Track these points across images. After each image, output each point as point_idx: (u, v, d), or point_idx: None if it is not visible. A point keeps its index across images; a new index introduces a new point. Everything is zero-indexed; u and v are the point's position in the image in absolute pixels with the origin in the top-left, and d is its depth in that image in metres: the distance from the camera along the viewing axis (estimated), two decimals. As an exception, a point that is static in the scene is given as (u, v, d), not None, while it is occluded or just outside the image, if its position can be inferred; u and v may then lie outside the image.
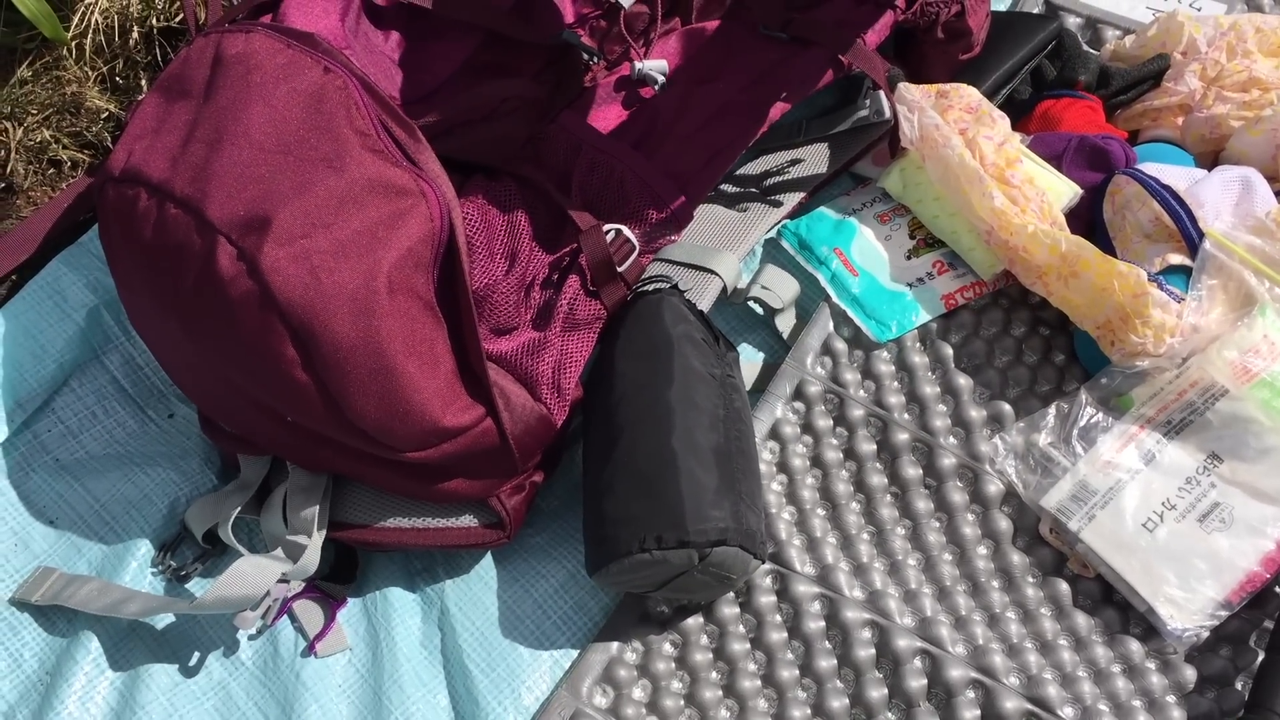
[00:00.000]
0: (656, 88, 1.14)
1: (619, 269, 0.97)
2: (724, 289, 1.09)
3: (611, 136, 1.11)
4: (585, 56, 1.14)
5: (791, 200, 1.18)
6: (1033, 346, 1.14)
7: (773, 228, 1.18)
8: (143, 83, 1.20)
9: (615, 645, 0.97)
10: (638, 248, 0.98)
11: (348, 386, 0.83)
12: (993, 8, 1.28)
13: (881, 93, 1.15)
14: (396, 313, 0.83)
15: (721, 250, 1.12)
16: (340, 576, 0.99)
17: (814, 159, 1.21)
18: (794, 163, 1.19)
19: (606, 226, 0.97)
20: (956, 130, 1.14)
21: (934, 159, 1.14)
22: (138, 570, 0.99)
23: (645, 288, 1.01)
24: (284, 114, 0.87)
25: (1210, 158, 1.19)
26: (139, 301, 0.93)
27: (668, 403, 0.92)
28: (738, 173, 1.20)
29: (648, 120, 1.14)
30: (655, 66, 1.17)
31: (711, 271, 1.09)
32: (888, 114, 1.15)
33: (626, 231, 0.98)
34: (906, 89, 1.18)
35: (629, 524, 0.89)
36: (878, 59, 1.12)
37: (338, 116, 0.87)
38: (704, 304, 1.07)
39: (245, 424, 0.95)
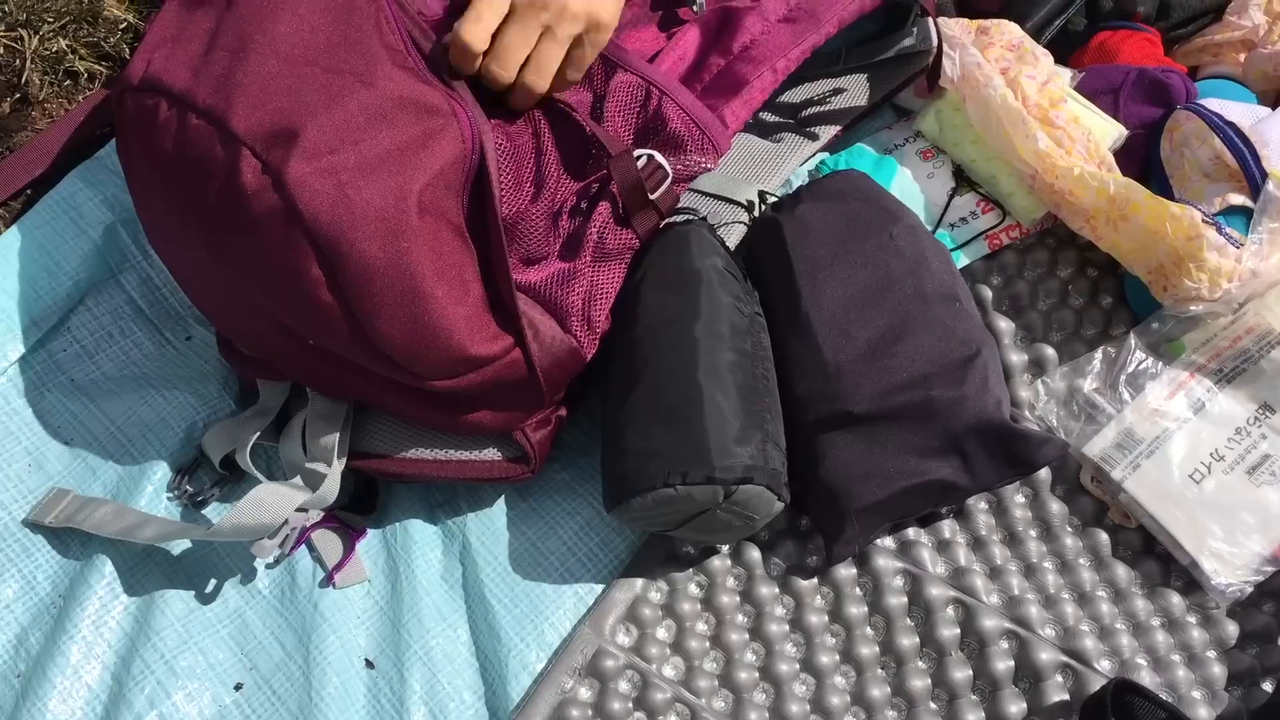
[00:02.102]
0: (695, 8, 1.09)
1: (651, 196, 0.93)
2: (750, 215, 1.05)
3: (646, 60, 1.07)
4: None
5: (829, 132, 1.14)
6: (1079, 289, 1.09)
7: (808, 160, 1.13)
8: (162, -7, 1.15)
9: (640, 583, 0.95)
10: (671, 174, 0.94)
11: (374, 309, 0.79)
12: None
13: (930, 20, 1.09)
14: (426, 235, 0.80)
15: (752, 182, 1.08)
16: (360, 507, 0.96)
17: (854, 89, 1.15)
18: (833, 92, 1.14)
19: (638, 152, 0.92)
20: (998, 69, 1.09)
21: (975, 99, 1.09)
22: (153, 495, 0.97)
23: (673, 219, 0.97)
24: (312, 24, 0.83)
25: (1273, 96, 1.14)
26: (158, 218, 0.90)
27: (694, 336, 0.88)
28: (773, 101, 1.15)
29: (684, 44, 1.09)
30: None
31: (740, 204, 1.06)
32: (934, 42, 1.10)
33: (659, 158, 0.93)
34: (945, 24, 1.12)
35: (651, 458, 0.86)
36: None
37: (367, 30, 0.84)
38: (732, 238, 1.04)
39: (266, 348, 0.92)
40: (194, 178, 0.81)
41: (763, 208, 1.05)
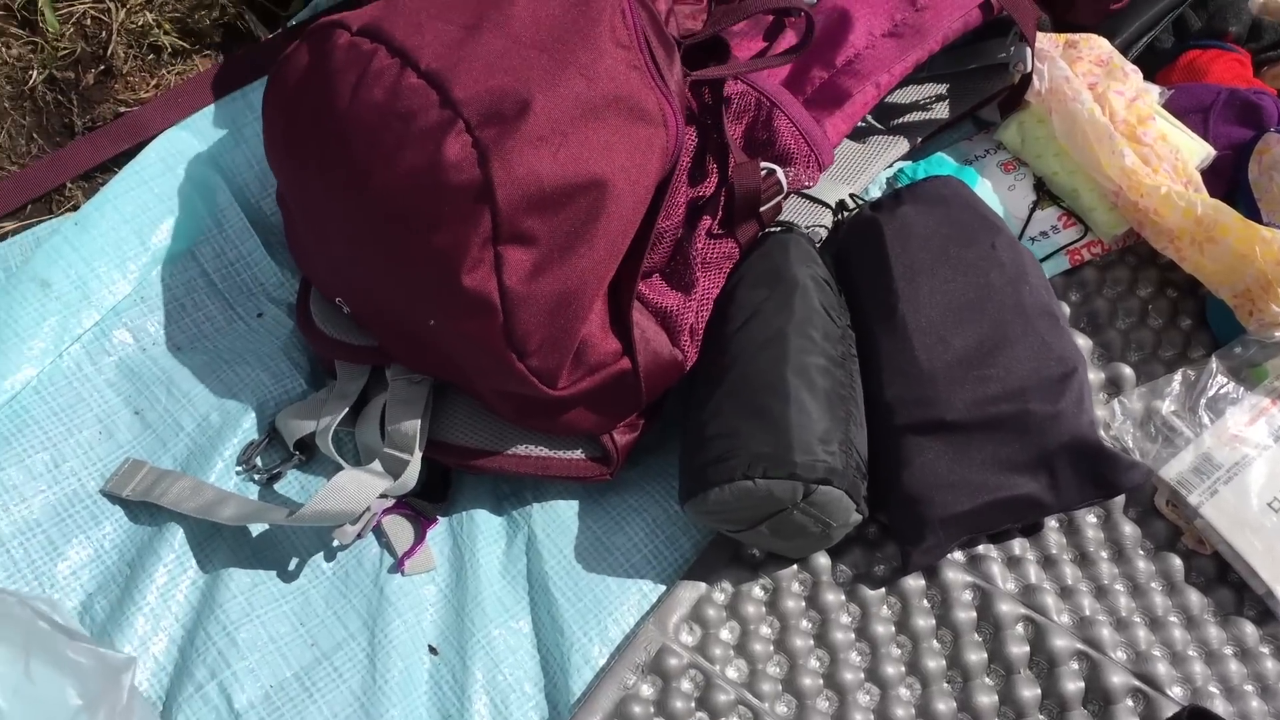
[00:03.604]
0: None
1: (760, 208, 0.92)
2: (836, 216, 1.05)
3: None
4: None
5: (913, 138, 1.13)
6: (1159, 309, 1.08)
7: (891, 164, 1.12)
8: (248, -29, 1.16)
9: (705, 584, 0.94)
10: (785, 189, 0.94)
11: (528, 299, 0.80)
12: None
13: (1026, 46, 1.08)
14: None
15: (837, 182, 1.07)
16: (432, 495, 0.96)
17: (940, 97, 1.15)
18: (919, 99, 1.14)
19: (763, 165, 0.92)
20: (1086, 84, 1.08)
21: (1061, 113, 1.07)
22: (224, 470, 0.97)
23: (771, 227, 0.96)
24: (549, 10, 0.82)
25: (1365, 123, 1.12)
26: (308, 161, 0.89)
27: (786, 335, 0.88)
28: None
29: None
30: None
31: (825, 204, 1.05)
32: (1029, 67, 1.09)
33: (780, 173, 0.93)
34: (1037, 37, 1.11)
35: (733, 450, 0.86)
36: (1029, 4, 1.05)
37: (601, 22, 0.83)
38: (816, 234, 1.03)
39: (376, 318, 0.91)
40: (391, 134, 0.80)
41: (849, 209, 1.04)
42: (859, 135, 1.12)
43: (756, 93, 0.95)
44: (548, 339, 0.82)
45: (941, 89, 1.14)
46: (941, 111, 1.13)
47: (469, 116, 0.78)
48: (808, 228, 1.02)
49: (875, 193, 1.14)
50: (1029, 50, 1.08)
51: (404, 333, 0.89)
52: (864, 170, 1.09)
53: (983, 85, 1.13)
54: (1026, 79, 1.10)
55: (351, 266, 0.91)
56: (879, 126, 1.13)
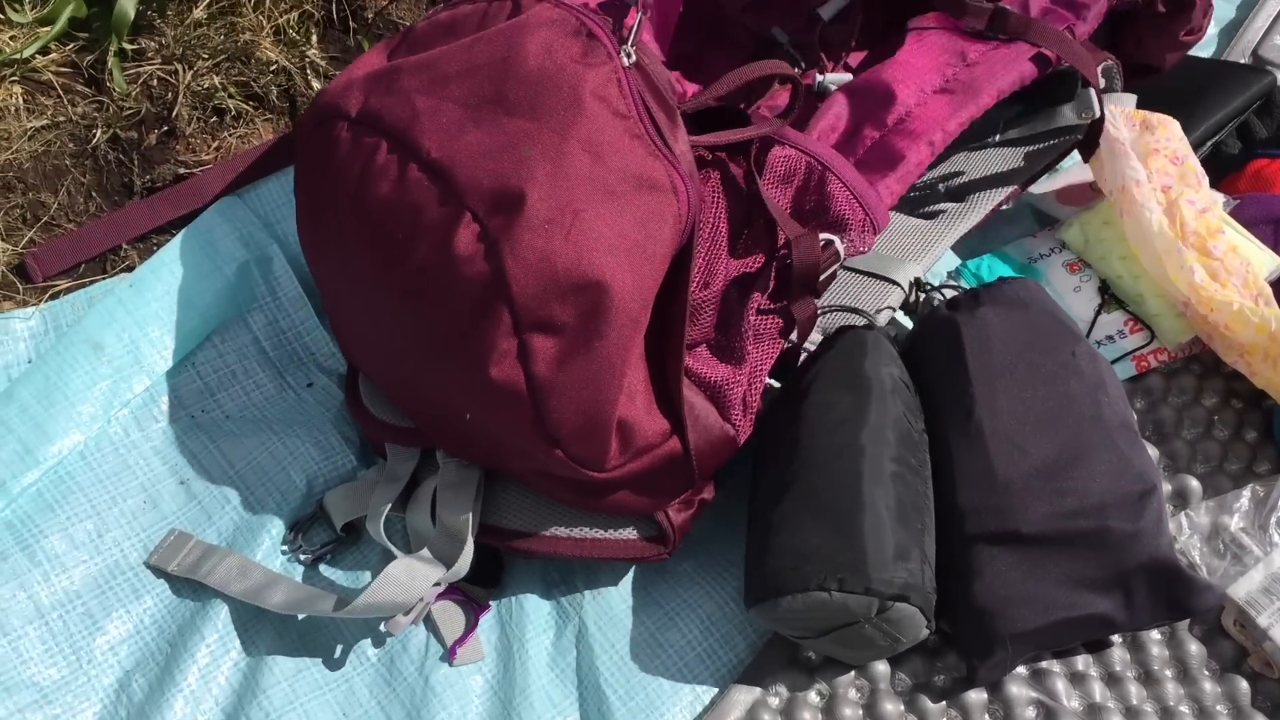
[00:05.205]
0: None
1: (818, 281, 0.89)
2: (906, 300, 1.02)
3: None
4: (792, 59, 1.07)
5: (983, 208, 1.08)
6: (1225, 420, 1.06)
7: (963, 235, 1.08)
8: (313, 38, 1.15)
9: (759, 688, 0.91)
10: (842, 258, 0.90)
11: (558, 387, 0.77)
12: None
13: (1092, 91, 1.04)
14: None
15: (905, 260, 1.04)
16: (484, 579, 0.93)
17: (1010, 162, 1.10)
18: (987, 166, 1.10)
19: (822, 236, 0.88)
20: (1160, 185, 1.06)
21: (1130, 216, 1.06)
22: (269, 547, 0.94)
23: (851, 322, 0.94)
24: (545, 82, 0.80)
25: None
26: (335, 255, 0.88)
27: (861, 442, 0.86)
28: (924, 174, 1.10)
29: (833, 112, 1.02)
30: (837, 80, 1.10)
31: (893, 282, 1.01)
32: (1097, 113, 1.04)
33: (838, 244, 0.89)
34: (1110, 114, 1.08)
35: (807, 559, 0.83)
36: (1088, 53, 1.02)
37: (597, 93, 0.80)
38: (881, 317, 1.00)
39: (416, 407, 0.89)
40: (402, 229, 0.79)
41: (920, 295, 1.01)
42: (927, 209, 1.09)
43: (807, 156, 0.92)
44: (583, 426, 0.80)
45: (1010, 154, 1.11)
46: (1013, 179, 1.09)
47: (474, 206, 0.77)
48: (877, 311, 0.99)
49: (942, 271, 1.11)
50: (1094, 97, 1.04)
51: (444, 423, 0.88)
52: (933, 246, 1.05)
53: (1053, 145, 1.09)
54: (1098, 124, 1.06)
55: (386, 358, 0.90)
56: (947, 199, 1.09)
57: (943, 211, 1.09)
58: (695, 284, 0.86)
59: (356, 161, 0.82)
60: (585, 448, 0.79)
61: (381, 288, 0.83)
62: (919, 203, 1.10)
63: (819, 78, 1.09)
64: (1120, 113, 1.09)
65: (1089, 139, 1.08)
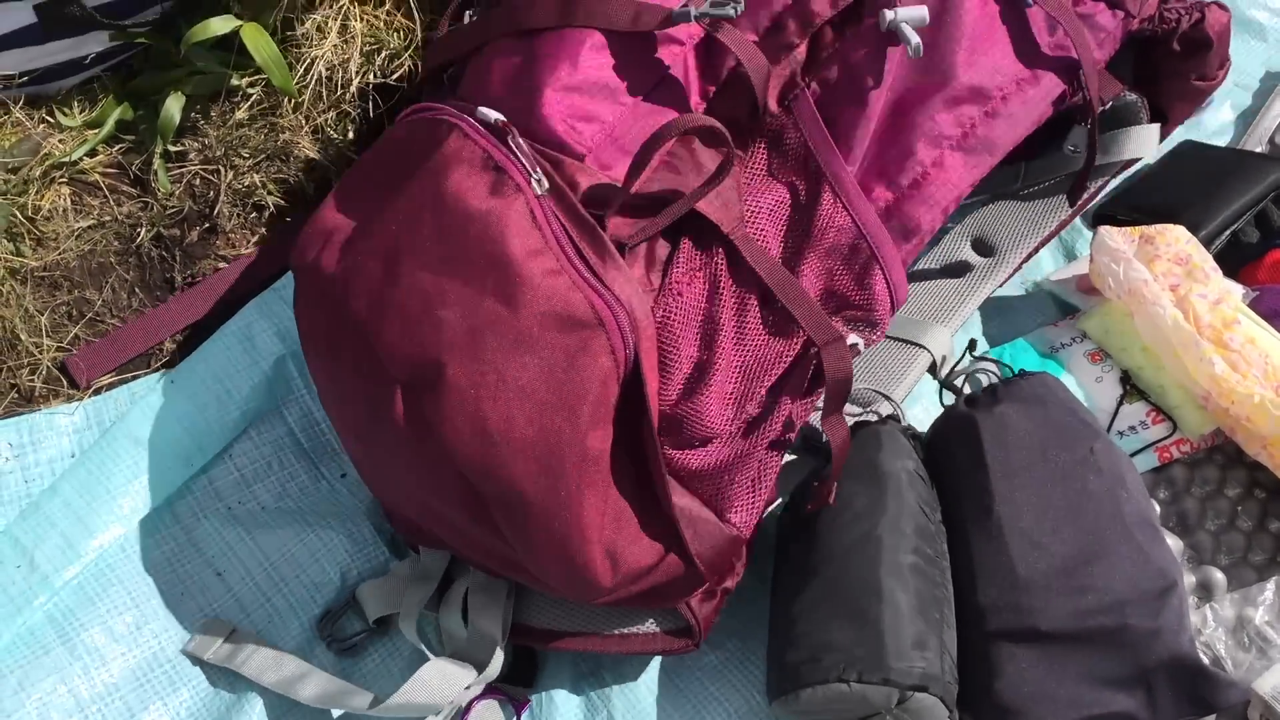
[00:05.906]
0: (910, 49, 0.86)
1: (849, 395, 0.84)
2: (932, 365, 1.01)
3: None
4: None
5: (1012, 261, 1.07)
6: (1248, 511, 1.06)
7: (993, 291, 1.05)
8: (349, 134, 1.19)
9: (786, 783, 0.92)
10: (862, 351, 0.85)
11: (529, 544, 0.79)
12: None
13: (1084, 128, 0.99)
14: (578, 466, 0.77)
15: (932, 323, 1.03)
16: (520, 677, 0.95)
17: (1039, 210, 1.08)
18: (1012, 222, 1.07)
19: (850, 339, 0.83)
20: (1167, 286, 1.07)
21: (1143, 316, 1.07)
22: (302, 638, 0.97)
23: (866, 418, 0.96)
24: (457, 227, 0.79)
25: None
26: (326, 380, 0.92)
27: (879, 534, 0.87)
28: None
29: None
30: (911, 16, 0.86)
31: (920, 346, 1.01)
32: (1081, 149, 0.99)
33: (862, 345, 0.85)
34: (1109, 235, 1.09)
35: (827, 651, 0.84)
36: (1107, 80, 0.99)
37: (511, 236, 0.78)
38: (906, 383, 1.00)
39: (425, 526, 0.92)
40: (362, 386, 0.84)
41: (974, 354, 1.02)
42: (953, 269, 1.08)
43: (865, 236, 0.84)
44: (564, 571, 0.80)
45: (1031, 205, 1.09)
46: (1043, 228, 1.08)
47: (401, 378, 0.80)
48: (901, 381, 1.00)
49: (963, 337, 1.09)
50: (1081, 129, 1.01)
51: (465, 544, 0.90)
52: (960, 307, 1.05)
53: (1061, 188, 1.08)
54: (1090, 158, 1.02)
55: (397, 486, 0.92)
56: (974, 257, 1.08)
57: (971, 272, 1.05)
58: (674, 394, 0.84)
59: (323, 313, 0.87)
60: (574, 590, 0.81)
61: (370, 426, 0.87)
62: (939, 257, 1.07)
63: (888, 14, 0.87)
64: (1120, 232, 1.10)
65: (1079, 183, 1.05)
